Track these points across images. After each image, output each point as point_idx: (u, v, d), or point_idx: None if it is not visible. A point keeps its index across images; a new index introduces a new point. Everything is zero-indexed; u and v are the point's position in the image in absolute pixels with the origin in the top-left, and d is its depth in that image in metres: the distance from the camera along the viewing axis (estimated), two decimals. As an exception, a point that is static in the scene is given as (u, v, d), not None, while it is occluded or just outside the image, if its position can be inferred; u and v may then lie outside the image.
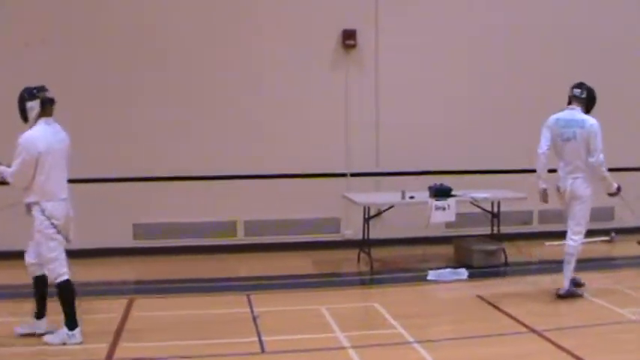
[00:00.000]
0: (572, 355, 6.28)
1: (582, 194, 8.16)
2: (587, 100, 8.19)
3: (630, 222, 11.82)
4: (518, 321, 7.35)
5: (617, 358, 6.34)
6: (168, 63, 10.58)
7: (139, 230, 10.69)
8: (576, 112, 8.18)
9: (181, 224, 10.75)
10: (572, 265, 8.20)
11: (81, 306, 6.86)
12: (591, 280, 8.97)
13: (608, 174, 8.14)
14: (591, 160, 8.01)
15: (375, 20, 11.21)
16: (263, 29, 10.87)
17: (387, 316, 7.52)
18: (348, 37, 11.05)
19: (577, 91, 8.22)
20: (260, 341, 6.69)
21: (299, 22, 10.95)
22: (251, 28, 10.84)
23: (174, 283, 9.18)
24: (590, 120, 8.09)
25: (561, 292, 8.26)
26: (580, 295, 8.33)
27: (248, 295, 8.31)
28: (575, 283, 8.43)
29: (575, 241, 8.22)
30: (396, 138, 11.18)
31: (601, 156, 7.99)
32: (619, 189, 8.31)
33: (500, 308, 7.85)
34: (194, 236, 10.81)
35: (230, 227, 10.96)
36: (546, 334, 6.88)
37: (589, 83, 8.34)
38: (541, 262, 10.42)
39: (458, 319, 7.74)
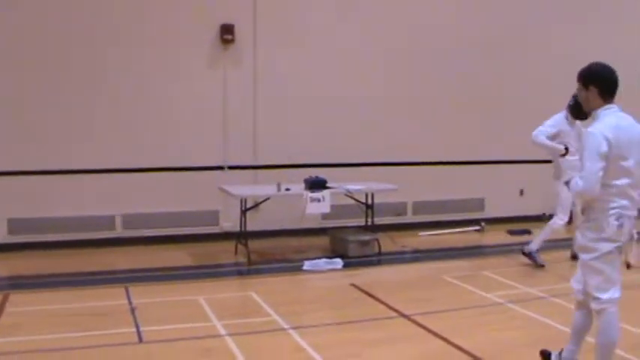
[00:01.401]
0: (440, 336, 6.60)
1: (555, 184, 9.22)
2: (571, 107, 8.98)
3: (499, 212, 12.49)
4: (389, 307, 7.61)
5: (483, 337, 6.65)
6: (48, 56, 10.35)
7: (14, 225, 10.38)
8: (562, 115, 9.19)
9: (59, 219, 10.52)
10: (545, 234, 9.53)
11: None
12: (460, 267, 9.45)
13: (546, 142, 8.92)
14: None
15: (254, 15, 11.29)
16: (138, 22, 10.77)
17: (264, 304, 7.66)
18: (226, 32, 11.07)
19: (570, 99, 9.02)
20: (138, 332, 6.73)
21: (176, 15, 10.90)
22: (128, 20, 10.72)
23: (50, 278, 8.98)
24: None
25: (525, 249, 9.67)
26: (538, 264, 9.52)
27: (126, 288, 8.29)
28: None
29: (555, 221, 9.45)
30: (273, 132, 11.38)
31: (534, 132, 8.92)
32: (567, 149, 8.93)
33: (373, 295, 8.11)
34: (72, 230, 10.58)
35: (108, 221, 10.82)
36: (416, 318, 7.17)
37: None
38: (414, 252, 10.81)
39: (332, 307, 7.98)
